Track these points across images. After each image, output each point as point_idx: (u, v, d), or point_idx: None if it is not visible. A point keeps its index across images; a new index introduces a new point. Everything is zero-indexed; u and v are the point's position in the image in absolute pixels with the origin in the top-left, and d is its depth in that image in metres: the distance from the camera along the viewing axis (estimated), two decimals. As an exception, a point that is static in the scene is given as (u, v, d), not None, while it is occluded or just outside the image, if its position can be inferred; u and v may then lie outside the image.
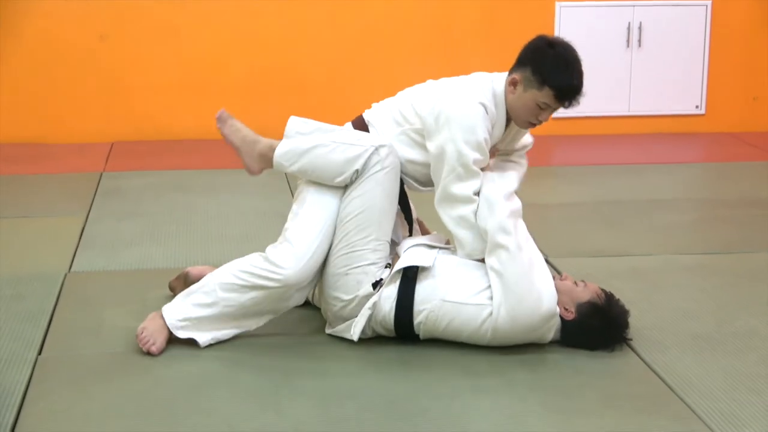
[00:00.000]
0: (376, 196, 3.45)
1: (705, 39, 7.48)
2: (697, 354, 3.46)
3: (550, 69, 3.40)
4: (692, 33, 7.47)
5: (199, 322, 3.44)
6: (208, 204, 5.50)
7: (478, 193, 3.44)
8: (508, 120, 3.55)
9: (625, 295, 3.62)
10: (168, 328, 3.43)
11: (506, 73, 3.53)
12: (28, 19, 6.94)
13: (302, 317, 3.74)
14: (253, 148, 3.64)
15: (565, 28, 7.30)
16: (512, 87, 3.47)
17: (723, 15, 7.46)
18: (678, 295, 4.05)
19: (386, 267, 3.48)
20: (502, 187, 3.47)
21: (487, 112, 3.44)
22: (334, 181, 3.48)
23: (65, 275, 4.24)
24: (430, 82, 3.66)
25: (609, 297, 3.46)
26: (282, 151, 3.54)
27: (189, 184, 5.95)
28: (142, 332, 3.42)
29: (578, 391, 3.18)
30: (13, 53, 6.97)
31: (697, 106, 7.60)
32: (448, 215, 3.49)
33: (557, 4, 7.32)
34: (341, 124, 3.70)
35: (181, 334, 3.43)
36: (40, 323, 3.68)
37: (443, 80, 3.63)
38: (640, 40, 7.39)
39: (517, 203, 3.48)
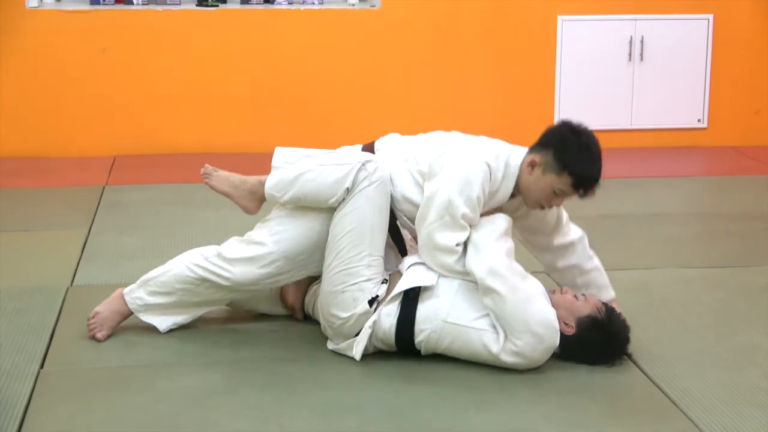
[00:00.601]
0: (366, 211, 3.45)
1: (707, 53, 7.48)
2: (699, 368, 3.46)
3: (573, 156, 3.38)
4: (694, 47, 7.46)
5: (159, 307, 3.61)
6: (209, 217, 5.49)
7: (461, 245, 3.41)
8: (514, 194, 3.52)
9: (627, 309, 3.62)
10: (121, 314, 3.61)
11: (526, 149, 3.50)
12: (30, 32, 6.94)
13: (303, 330, 3.74)
14: (243, 188, 3.73)
15: (567, 42, 7.31)
16: (530, 168, 3.44)
17: (725, 29, 7.46)
18: (680, 308, 4.05)
19: (383, 282, 3.48)
20: (491, 231, 3.42)
21: (490, 174, 3.42)
22: (327, 203, 3.48)
23: (67, 289, 4.24)
24: (455, 133, 3.65)
25: (609, 311, 3.45)
26: (272, 183, 3.58)
27: (190, 197, 5.94)
28: (94, 317, 3.60)
29: (580, 405, 3.17)
30: (14, 67, 6.97)
31: (699, 120, 7.60)
32: (431, 262, 3.47)
33: (559, 18, 7.32)
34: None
35: (143, 317, 3.61)
36: (42, 336, 3.68)
37: (467, 136, 3.62)
38: (642, 54, 7.40)
39: (509, 243, 3.44)
